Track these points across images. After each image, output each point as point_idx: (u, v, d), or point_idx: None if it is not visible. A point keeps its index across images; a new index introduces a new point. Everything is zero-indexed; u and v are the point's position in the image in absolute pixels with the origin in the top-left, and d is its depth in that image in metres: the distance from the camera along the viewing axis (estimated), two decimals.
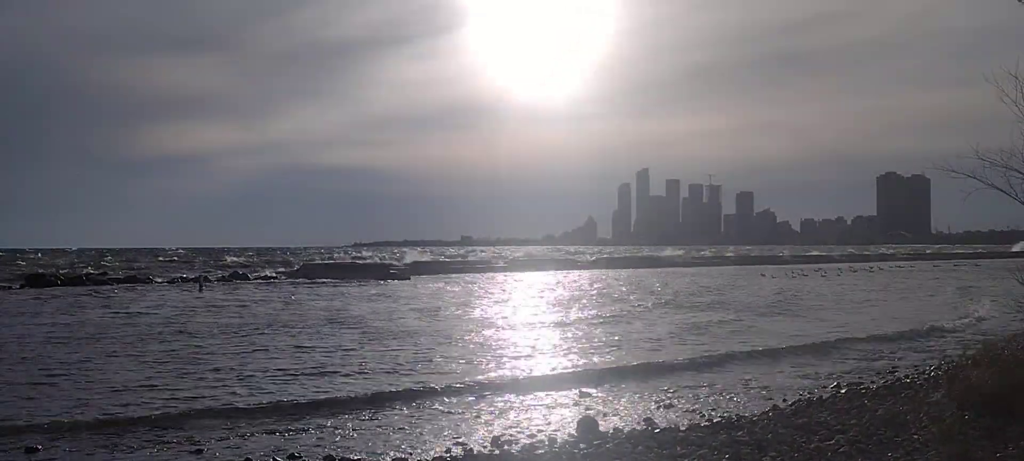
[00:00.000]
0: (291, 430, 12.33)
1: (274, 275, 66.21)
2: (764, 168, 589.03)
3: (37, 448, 11.18)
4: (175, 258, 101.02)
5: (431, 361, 19.18)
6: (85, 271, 64.42)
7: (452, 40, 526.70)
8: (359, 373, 17.43)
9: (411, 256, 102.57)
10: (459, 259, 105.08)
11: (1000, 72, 12.60)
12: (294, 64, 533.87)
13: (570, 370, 18.09)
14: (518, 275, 72.07)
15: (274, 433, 12.16)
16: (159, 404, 14.01)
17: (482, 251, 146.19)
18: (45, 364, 18.55)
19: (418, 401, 14.49)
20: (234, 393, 15.11)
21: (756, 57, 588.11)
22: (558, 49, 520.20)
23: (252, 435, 12.03)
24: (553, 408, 14.07)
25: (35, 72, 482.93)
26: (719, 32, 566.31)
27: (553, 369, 18.34)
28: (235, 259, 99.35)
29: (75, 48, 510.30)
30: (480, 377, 16.98)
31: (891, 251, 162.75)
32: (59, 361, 18.99)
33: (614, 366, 18.52)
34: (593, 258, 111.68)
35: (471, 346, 22.08)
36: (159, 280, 59.44)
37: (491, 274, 75.23)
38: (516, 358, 20.00)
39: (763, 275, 69.55)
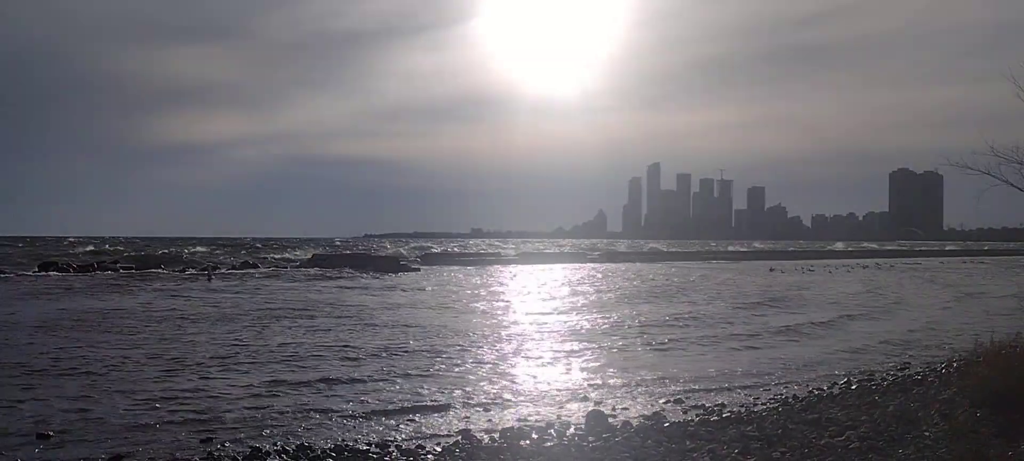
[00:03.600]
0: (299, 419, 12.39)
1: (285, 266, 66.34)
2: (775, 163, 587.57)
3: (49, 434, 11.28)
4: (193, 249, 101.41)
5: (442, 356, 19.17)
6: (98, 259, 64.74)
7: (463, 31, 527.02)
8: (370, 365, 17.46)
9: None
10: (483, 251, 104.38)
11: (1016, 68, 12.52)
12: (303, 54, 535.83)
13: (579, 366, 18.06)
14: (576, 267, 71.86)
15: (284, 422, 12.21)
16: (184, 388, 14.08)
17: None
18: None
19: (426, 392, 14.50)
20: (246, 380, 15.18)
21: (768, 51, 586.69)
22: (569, 41, 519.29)
23: (258, 424, 12.06)
24: (563, 401, 14.04)
25: (44, 61, 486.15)
26: (731, 25, 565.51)
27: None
28: (248, 249, 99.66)
29: (83, 37, 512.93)
30: (492, 371, 17.00)
31: (948, 247, 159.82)
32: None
33: None
34: (597, 250, 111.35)
35: (499, 338, 22.08)
36: (164, 270, 59.60)
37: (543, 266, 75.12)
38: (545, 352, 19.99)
39: (830, 271, 68.46)
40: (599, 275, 59.73)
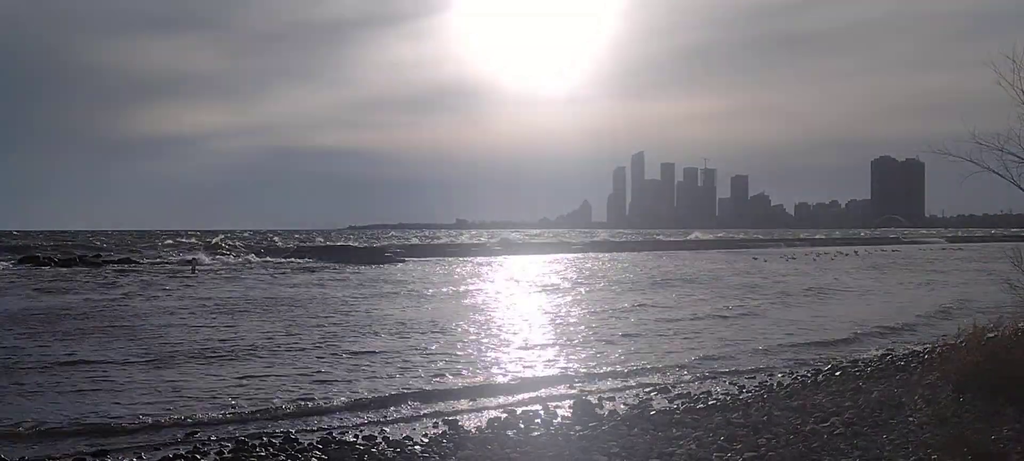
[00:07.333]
0: (284, 412, 12.33)
1: (266, 259, 65.94)
2: (759, 151, 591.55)
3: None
4: (170, 241, 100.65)
5: (429, 348, 19.13)
6: (79, 253, 64.09)
7: (445, 20, 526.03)
8: (355, 360, 17.41)
9: None
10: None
11: (997, 55, 12.59)
12: (282, 44, 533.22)
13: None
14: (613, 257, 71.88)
15: (269, 415, 12.15)
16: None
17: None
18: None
19: (412, 383, 14.47)
20: (231, 374, 15.08)
21: (751, 39, 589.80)
22: (552, 30, 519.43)
23: (243, 417, 11.99)
24: (550, 391, 14.04)
25: (21, 53, 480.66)
26: (714, 13, 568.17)
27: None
28: (229, 241, 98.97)
29: (61, 29, 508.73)
30: (479, 362, 16.98)
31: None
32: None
33: None
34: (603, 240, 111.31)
35: (489, 332, 22.06)
36: (146, 264, 59.13)
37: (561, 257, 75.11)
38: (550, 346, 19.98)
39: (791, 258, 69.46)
40: (584, 265, 59.82)
